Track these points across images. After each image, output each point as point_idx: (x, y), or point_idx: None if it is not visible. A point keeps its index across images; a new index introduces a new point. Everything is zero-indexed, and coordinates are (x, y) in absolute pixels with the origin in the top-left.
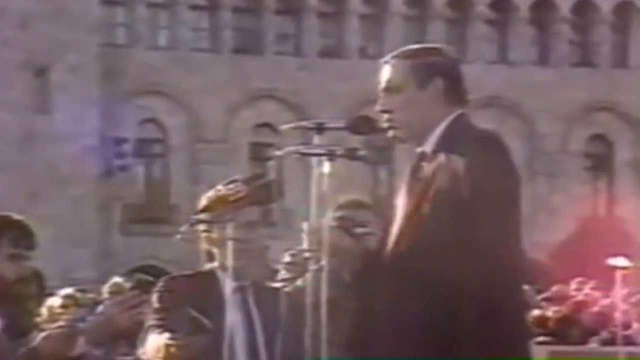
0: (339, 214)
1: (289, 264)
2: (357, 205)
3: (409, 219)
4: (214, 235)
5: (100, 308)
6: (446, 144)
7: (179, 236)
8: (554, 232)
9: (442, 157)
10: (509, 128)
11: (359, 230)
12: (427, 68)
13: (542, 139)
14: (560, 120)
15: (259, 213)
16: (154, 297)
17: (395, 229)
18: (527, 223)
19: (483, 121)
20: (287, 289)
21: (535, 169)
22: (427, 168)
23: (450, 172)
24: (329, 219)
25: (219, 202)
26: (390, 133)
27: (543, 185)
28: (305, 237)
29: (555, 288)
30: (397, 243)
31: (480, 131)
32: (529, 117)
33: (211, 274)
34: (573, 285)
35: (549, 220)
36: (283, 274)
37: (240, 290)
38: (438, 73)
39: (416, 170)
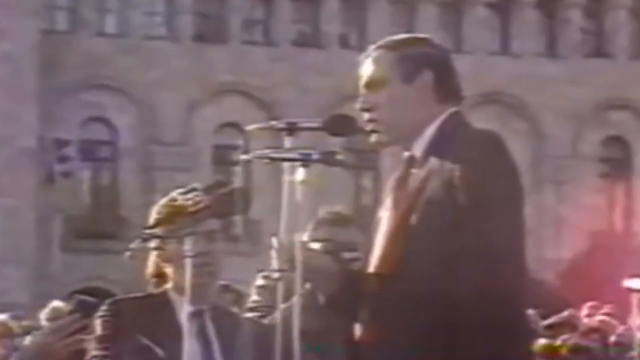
0: (321, 233)
1: (261, 287)
2: (342, 221)
3: (397, 232)
4: (168, 252)
5: (32, 336)
6: (438, 147)
7: (128, 253)
8: (563, 247)
9: (433, 162)
10: (512, 129)
11: (347, 255)
12: (414, 59)
13: (549, 141)
14: (570, 120)
15: (219, 225)
16: (97, 323)
17: (380, 244)
18: (532, 237)
19: (482, 121)
20: (264, 321)
21: (541, 175)
22: (417, 174)
23: (444, 178)
24: (307, 236)
25: (174, 214)
26: (373, 137)
27: (550, 194)
28: (273, 254)
29: (564, 313)
30: (384, 259)
31: (477, 131)
32: (535, 117)
33: (163, 295)
34: (584, 309)
35: (557, 234)
36: (255, 299)
37: (197, 314)
38: (427, 65)
39: (404, 177)
